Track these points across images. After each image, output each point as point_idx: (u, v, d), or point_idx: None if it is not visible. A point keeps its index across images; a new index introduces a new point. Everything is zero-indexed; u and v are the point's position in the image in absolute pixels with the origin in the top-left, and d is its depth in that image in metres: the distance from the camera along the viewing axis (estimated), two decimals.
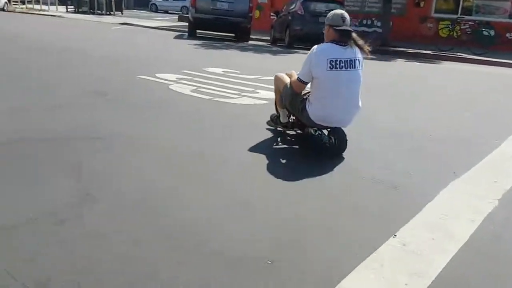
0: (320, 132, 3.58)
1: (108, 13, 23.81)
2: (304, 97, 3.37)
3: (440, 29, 15.46)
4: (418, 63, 11.23)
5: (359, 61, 3.27)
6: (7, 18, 18.29)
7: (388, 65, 10.77)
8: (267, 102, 5.07)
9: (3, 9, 23.51)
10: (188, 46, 11.27)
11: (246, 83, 6.23)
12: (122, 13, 24.84)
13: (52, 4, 26.21)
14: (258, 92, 5.61)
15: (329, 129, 3.39)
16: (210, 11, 13.09)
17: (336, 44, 3.20)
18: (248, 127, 4.07)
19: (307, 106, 3.30)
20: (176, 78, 6.17)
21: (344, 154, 3.35)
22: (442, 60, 12.22)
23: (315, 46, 3.23)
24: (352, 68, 3.22)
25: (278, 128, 3.89)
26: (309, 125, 3.51)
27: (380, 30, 16.16)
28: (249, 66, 8.39)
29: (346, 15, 3.22)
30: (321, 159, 3.30)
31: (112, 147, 3.25)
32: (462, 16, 15.16)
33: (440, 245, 2.10)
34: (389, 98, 6.24)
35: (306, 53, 3.35)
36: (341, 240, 2.10)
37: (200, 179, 2.75)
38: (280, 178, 2.86)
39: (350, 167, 3.15)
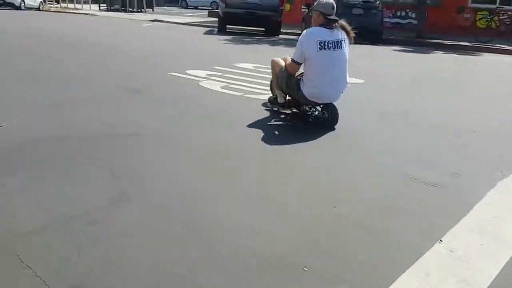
0: (314, 109, 3.92)
1: (139, 10, 24.14)
2: (298, 77, 3.81)
3: (478, 19, 14.83)
4: (456, 55, 10.79)
5: (345, 42, 3.69)
6: (42, 17, 18.85)
7: (425, 58, 10.42)
8: None
9: (38, 8, 24.29)
10: (218, 41, 11.27)
11: None
12: (153, 10, 25.15)
13: (85, 2, 26.87)
14: None
15: (321, 106, 3.81)
16: (240, 5, 13.02)
17: (324, 27, 3.64)
18: (276, 123, 4.00)
19: (301, 86, 3.74)
20: (207, 75, 6.15)
21: (382, 151, 3.22)
22: (482, 51, 11.69)
23: (306, 30, 3.71)
24: (339, 48, 3.63)
25: (274, 108, 4.34)
26: (304, 102, 3.91)
27: (415, 22, 15.67)
28: None
29: (334, 5, 3.68)
30: (353, 157, 3.19)
31: (144, 144, 3.25)
32: (501, 6, 14.47)
33: (491, 251, 1.96)
34: (429, 91, 6.00)
35: None
36: (382, 245, 1.99)
37: (231, 178, 2.70)
38: (314, 177, 2.77)
39: (388, 164, 3.02)
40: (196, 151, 3.18)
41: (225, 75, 6.23)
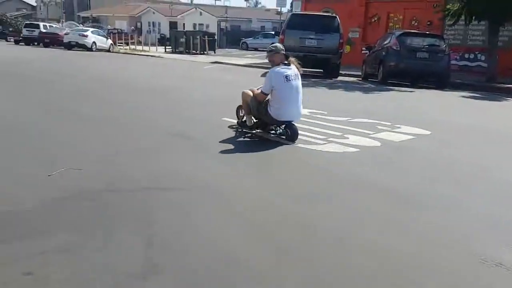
0: (278, 128, 5.05)
1: (202, 52, 25.26)
2: (265, 104, 4.91)
3: None
4: None
5: (298, 75, 4.95)
6: (109, 59, 20.26)
7: (498, 106, 9.68)
8: (357, 150, 4.66)
9: (108, 50, 26.22)
10: None
11: (334, 126, 5.88)
12: (214, 52, 26.20)
13: (152, 44, 28.66)
14: (347, 138, 5.22)
15: (284, 125, 4.93)
16: (298, 48, 13.06)
17: (284, 66, 4.87)
18: (335, 183, 3.71)
19: (268, 110, 4.86)
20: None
21: (453, 221, 2.81)
22: None
23: (272, 69, 4.90)
24: (297, 79, 4.90)
25: (244, 130, 5.30)
26: (271, 123, 5.02)
27: (484, 65, 14.85)
28: (338, 106, 8.06)
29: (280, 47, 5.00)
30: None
31: (187, 200, 3.11)
32: None
33: None
34: (506, 147, 5.44)
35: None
36: None
37: (283, 250, 2.45)
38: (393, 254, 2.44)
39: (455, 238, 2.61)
40: (241, 211, 2.98)
41: None
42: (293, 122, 4.93)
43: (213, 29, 35.14)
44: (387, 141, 5.14)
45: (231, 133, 5.37)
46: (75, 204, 2.98)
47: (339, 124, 6.00)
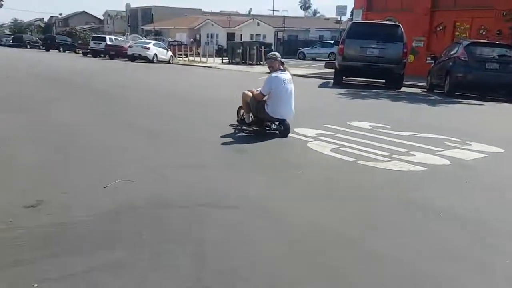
0: (274, 124, 5.80)
1: (258, 63, 25.43)
2: (262, 103, 5.67)
3: None
4: None
5: (291, 80, 5.76)
6: (168, 70, 20.91)
7: None
8: (424, 169, 4.31)
9: (168, 62, 27.16)
10: (333, 95, 10.99)
11: (398, 141, 5.52)
12: None
13: (210, 56, 29.33)
14: (413, 155, 4.86)
15: (277, 122, 5.68)
16: (359, 58, 12.69)
17: (281, 71, 5.70)
18: (400, 206, 3.41)
19: (265, 108, 5.64)
20: (316, 134, 5.82)
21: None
22: None
23: (271, 75, 5.69)
24: (291, 83, 5.72)
25: (244, 127, 6.02)
26: (267, 119, 5.77)
27: None
28: (402, 119, 7.63)
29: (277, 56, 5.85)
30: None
31: (241, 219, 3.00)
32: None
33: None
34: None
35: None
36: None
37: (340, 277, 2.24)
38: None
39: None
40: (295, 234, 2.80)
41: (337, 135, 5.83)
42: (286, 120, 5.70)
43: (270, 39, 35.39)
44: (457, 160, 4.73)
45: (285, 147, 5.21)
46: (127, 219, 2.96)
47: (404, 140, 5.63)
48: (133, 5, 58.18)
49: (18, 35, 51.11)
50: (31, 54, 30.89)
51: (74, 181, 3.75)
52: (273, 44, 32.44)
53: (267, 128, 5.88)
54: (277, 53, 5.99)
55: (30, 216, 2.94)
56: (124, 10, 58.16)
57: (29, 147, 4.93)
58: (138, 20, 57.71)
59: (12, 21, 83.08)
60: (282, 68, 5.75)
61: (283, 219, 3.03)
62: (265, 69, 24.05)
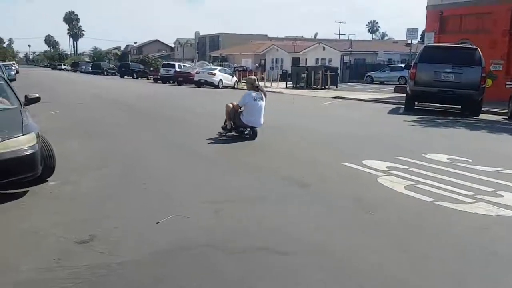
0: (246, 130, 7.54)
1: (323, 87, 25.07)
2: (239, 113, 7.39)
3: None
4: None
5: (263, 97, 7.54)
6: (233, 96, 21.17)
7: None
8: None
9: (233, 87, 27.64)
10: (404, 122, 10.34)
11: (482, 178, 4.91)
12: (336, 87, 25.76)
13: (274, 80, 29.48)
14: (501, 195, 4.27)
15: (249, 129, 7.47)
16: (433, 83, 11.92)
17: (255, 91, 7.54)
18: (493, 261, 2.91)
19: (241, 117, 7.35)
20: (387, 168, 5.36)
21: None
22: None
23: (246, 92, 7.59)
24: (261, 100, 7.46)
25: (226, 133, 7.71)
26: (242, 126, 7.50)
27: None
28: (484, 151, 6.90)
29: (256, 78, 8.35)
30: None
31: (294, 268, 2.69)
32: None
33: None
34: None
35: None
36: None
37: None
38: None
39: None
40: (358, 283, 2.43)
41: (411, 169, 5.33)
42: (255, 127, 7.43)
43: (336, 63, 34.93)
44: None
45: (351, 182, 4.82)
46: (177, 261, 2.77)
47: (489, 177, 4.99)
48: (202, 33, 60.95)
49: (97, 63, 55.20)
50: (106, 81, 32.98)
51: (130, 212, 3.68)
52: (339, 68, 31.92)
53: (244, 131, 7.62)
54: (253, 77, 8.29)
55: (80, 253, 2.85)
56: (194, 38, 61.01)
57: (93, 174, 5.00)
58: (206, 47, 59.99)
59: (92, 49, 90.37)
60: (256, 88, 7.65)
61: (349, 269, 2.67)
62: (331, 93, 23.55)
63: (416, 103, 13.20)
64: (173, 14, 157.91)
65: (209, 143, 7.10)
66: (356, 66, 37.14)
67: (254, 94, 7.45)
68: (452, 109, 13.34)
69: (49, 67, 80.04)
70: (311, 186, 4.62)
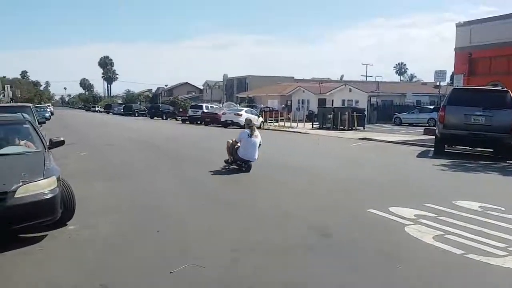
0: (242, 163, 8.54)
1: (350, 128, 24.91)
2: (236, 148, 8.56)
3: None
4: None
5: (257, 136, 8.71)
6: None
7: None
8: None
9: (259, 127, 27.86)
10: (433, 167, 10.02)
11: None
12: (364, 128, 25.57)
13: (300, 121, 29.59)
14: None
15: (244, 162, 8.49)
16: (462, 126, 11.63)
17: (248, 129, 8.72)
18: None
19: (238, 152, 8.52)
20: (415, 216, 5.14)
21: None
22: None
23: (242, 131, 8.91)
24: (256, 138, 8.63)
25: (228, 166, 8.85)
26: (238, 160, 8.57)
27: None
28: None
29: (251, 120, 9.98)
30: None
31: None
32: None
33: None
34: None
35: None
36: None
37: None
38: None
39: None
40: None
41: (440, 217, 5.09)
42: (250, 161, 8.50)
43: (363, 104, 34.82)
44: None
45: (376, 231, 4.63)
46: None
47: None
48: (230, 76, 62.46)
49: (128, 105, 57.15)
50: (136, 122, 33.89)
51: (144, 261, 3.61)
52: (366, 109, 31.80)
53: (240, 164, 8.61)
54: (249, 119, 10.23)
55: None
56: (222, 80, 62.58)
57: (111, 218, 5.00)
58: (233, 89, 61.30)
59: (125, 92, 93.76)
60: (251, 128, 8.80)
61: None
62: (358, 135, 23.37)
63: (446, 146, 12.86)
64: (202, 58, 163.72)
65: (232, 185, 7.05)
66: (384, 108, 36.94)
67: (248, 131, 8.67)
68: (484, 153, 12.90)
69: (83, 109, 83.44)
70: (334, 236, 4.46)
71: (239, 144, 8.52)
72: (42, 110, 37.65)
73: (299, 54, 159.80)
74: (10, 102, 35.50)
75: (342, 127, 25.20)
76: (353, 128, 25.06)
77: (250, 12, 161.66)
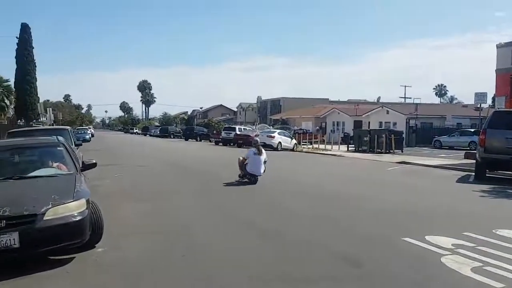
0: (251, 177, 10.25)
1: (387, 151, 24.35)
2: (245, 164, 10.37)
3: None
4: None
5: (262, 153, 10.49)
6: (291, 158, 21.14)
7: None
8: None
9: (292, 149, 27.74)
10: (474, 193, 9.57)
11: None
12: (402, 151, 24.90)
13: (335, 143, 29.23)
14: None
15: (251, 176, 10.26)
16: (504, 150, 11.11)
17: (255, 148, 10.65)
18: None
19: (246, 167, 10.34)
20: (453, 245, 4.89)
21: None
22: None
23: (250, 149, 10.90)
24: (260, 154, 10.45)
25: (240, 179, 10.52)
26: (247, 174, 10.33)
27: None
28: None
29: (258, 140, 11.74)
30: None
31: None
32: None
33: None
34: None
35: None
36: None
37: None
38: None
39: None
40: None
41: (480, 247, 4.82)
42: (256, 175, 10.12)
43: (401, 127, 34.09)
44: None
45: (411, 261, 4.42)
46: None
47: None
48: (263, 98, 62.99)
49: (164, 127, 58.64)
50: (171, 144, 34.58)
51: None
52: (404, 131, 31.06)
53: (249, 177, 10.17)
54: (256, 139, 11.76)
55: None
56: (256, 102, 63.18)
57: (138, 240, 5.04)
58: (267, 111, 61.68)
59: (162, 114, 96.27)
60: (258, 147, 10.52)
61: None
62: (396, 158, 22.81)
63: (487, 171, 12.31)
64: (236, 80, 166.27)
65: (264, 211, 6.98)
66: (423, 130, 36.01)
67: (254, 149, 10.45)
68: None
69: (122, 131, 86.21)
70: (366, 266, 4.29)
71: (247, 161, 10.21)
72: (82, 132, 39.32)
73: (334, 76, 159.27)
74: (52, 125, 37.20)
75: (379, 150, 24.66)
76: (391, 151, 24.47)
77: (283, 34, 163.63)
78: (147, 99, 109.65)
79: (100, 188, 9.04)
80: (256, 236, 5.47)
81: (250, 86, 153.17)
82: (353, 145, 27.79)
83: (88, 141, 34.22)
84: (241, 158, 10.50)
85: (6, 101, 29.97)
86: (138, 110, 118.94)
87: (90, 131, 49.71)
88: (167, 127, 57.50)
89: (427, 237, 5.20)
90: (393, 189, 10.47)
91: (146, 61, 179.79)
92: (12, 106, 33.74)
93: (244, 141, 30.17)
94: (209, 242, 5.10)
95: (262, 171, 10.20)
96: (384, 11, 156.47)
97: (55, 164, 5.37)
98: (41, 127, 27.19)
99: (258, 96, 63.26)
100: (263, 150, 10.48)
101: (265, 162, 10.44)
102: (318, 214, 6.87)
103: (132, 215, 6.58)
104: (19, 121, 34.62)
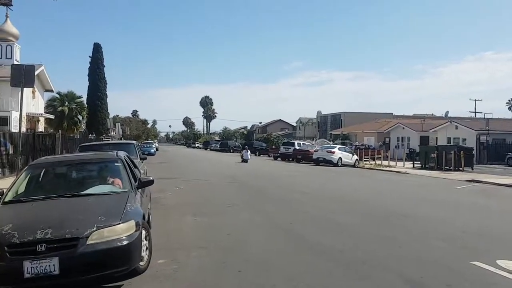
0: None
1: (456, 168, 23.08)
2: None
3: None
4: None
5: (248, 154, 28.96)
6: (353, 176, 20.61)
7: None
8: None
9: (354, 165, 27.09)
10: None
11: None
12: (472, 169, 23.50)
13: (400, 160, 28.16)
14: None
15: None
16: None
17: (246, 152, 29.28)
18: None
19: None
20: None
21: None
22: None
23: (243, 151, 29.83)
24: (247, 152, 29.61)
25: None
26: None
27: None
28: None
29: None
30: None
31: None
32: None
33: None
34: None
35: None
36: None
37: None
38: None
39: None
40: None
41: None
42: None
43: (471, 143, 32.21)
44: None
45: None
46: None
47: None
48: (324, 112, 62.39)
49: (224, 141, 59.92)
50: (230, 158, 35.03)
51: None
52: (474, 148, 29.31)
53: None
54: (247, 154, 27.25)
55: None
56: (315, 117, 62.72)
57: (196, 254, 5.14)
58: (327, 126, 60.90)
59: (222, 129, 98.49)
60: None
61: None
62: (465, 176, 21.63)
63: None
64: (296, 95, 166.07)
65: (324, 229, 6.87)
66: (495, 147, 33.77)
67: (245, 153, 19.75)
68: None
69: (184, 145, 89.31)
70: None
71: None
72: (148, 146, 41.25)
73: (399, 90, 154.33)
74: (121, 139, 39.35)
75: (447, 167, 23.47)
76: (460, 168, 23.20)
77: (346, 49, 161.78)
78: (209, 114, 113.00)
79: (161, 201, 9.40)
80: (316, 254, 5.37)
81: (310, 101, 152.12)
82: (418, 162, 26.64)
83: (153, 154, 35.77)
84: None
85: (79, 116, 32.31)
86: (199, 125, 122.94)
87: (155, 145, 51.95)
88: (227, 142, 58.70)
89: (498, 262, 4.86)
90: (463, 208, 9.88)
91: (208, 79, 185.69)
92: (84, 121, 36.14)
93: (303, 156, 30.02)
94: (265, 257, 5.09)
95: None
96: (451, 24, 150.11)
97: (111, 180, 5.14)
98: (110, 141, 28.90)
99: (318, 111, 62.85)
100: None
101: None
102: (382, 234, 6.59)
103: (192, 228, 6.75)
104: (90, 135, 36.97)
